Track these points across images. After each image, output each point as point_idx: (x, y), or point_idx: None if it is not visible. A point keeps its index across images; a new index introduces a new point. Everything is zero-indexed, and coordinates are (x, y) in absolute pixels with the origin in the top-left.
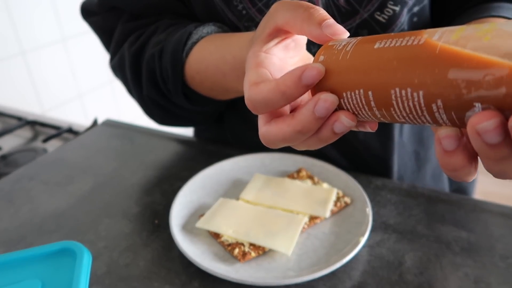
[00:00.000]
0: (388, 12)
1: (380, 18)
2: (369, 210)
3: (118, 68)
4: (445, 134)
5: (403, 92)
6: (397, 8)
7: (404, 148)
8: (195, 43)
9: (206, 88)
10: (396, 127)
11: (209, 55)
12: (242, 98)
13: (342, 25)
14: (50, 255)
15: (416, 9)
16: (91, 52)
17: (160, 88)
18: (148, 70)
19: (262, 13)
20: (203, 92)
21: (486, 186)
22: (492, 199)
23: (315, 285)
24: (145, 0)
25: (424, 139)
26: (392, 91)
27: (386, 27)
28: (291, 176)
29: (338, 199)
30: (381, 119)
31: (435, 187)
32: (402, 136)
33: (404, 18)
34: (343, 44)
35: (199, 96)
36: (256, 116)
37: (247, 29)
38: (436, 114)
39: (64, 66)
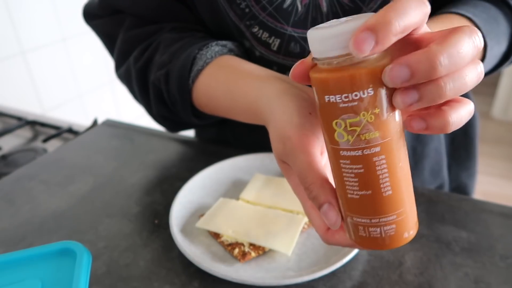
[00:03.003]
0: None
1: None
2: None
3: (125, 80)
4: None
5: None
6: None
7: None
8: (200, 70)
9: (218, 116)
10: None
11: (221, 97)
12: None
13: None
14: (50, 255)
15: None
16: (91, 52)
17: (169, 106)
18: (155, 91)
19: (266, 10)
20: (214, 116)
21: (486, 186)
22: (492, 199)
23: (315, 285)
24: (147, 2)
25: (421, 135)
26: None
27: None
28: None
29: None
30: None
31: (434, 183)
32: None
33: None
34: None
35: (209, 115)
36: None
37: (248, 28)
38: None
39: (64, 66)
